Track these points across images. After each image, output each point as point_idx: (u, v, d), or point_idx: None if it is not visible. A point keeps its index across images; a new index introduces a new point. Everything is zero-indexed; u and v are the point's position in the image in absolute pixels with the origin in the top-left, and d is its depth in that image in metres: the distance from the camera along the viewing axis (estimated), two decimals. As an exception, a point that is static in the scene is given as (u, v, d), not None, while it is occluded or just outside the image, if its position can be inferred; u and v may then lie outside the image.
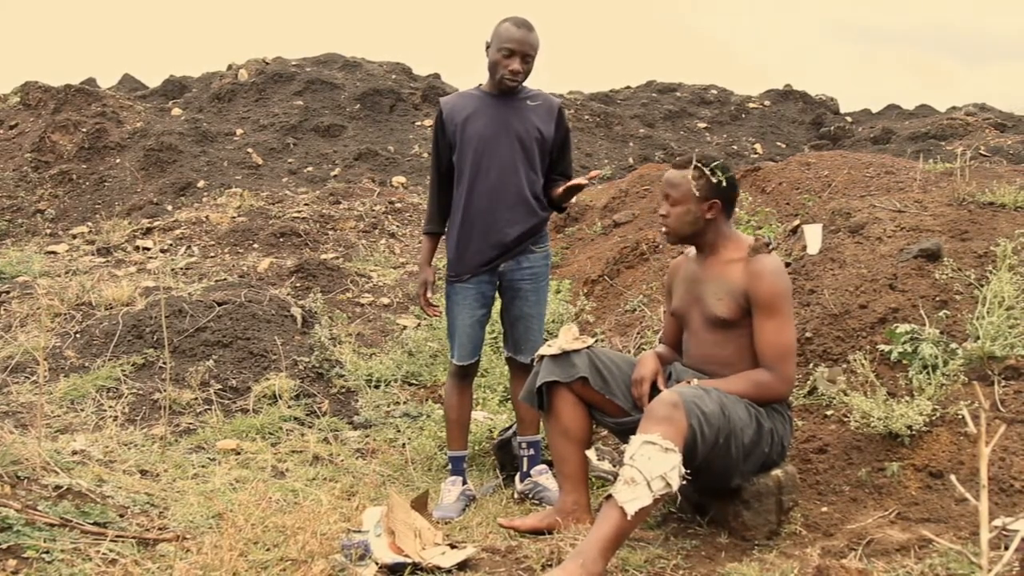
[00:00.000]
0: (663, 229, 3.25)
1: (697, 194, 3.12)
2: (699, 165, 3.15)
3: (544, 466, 3.95)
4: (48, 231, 10.81)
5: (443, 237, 4.09)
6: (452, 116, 3.89)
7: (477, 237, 3.87)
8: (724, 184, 3.14)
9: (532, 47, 3.74)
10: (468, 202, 3.86)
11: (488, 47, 3.81)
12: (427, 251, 4.11)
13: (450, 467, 4.06)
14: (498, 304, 4.08)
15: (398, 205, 10.74)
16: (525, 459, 3.98)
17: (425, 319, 6.74)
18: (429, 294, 4.06)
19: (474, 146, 3.84)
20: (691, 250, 3.33)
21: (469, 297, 3.93)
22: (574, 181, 3.82)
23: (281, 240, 9.09)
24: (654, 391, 3.09)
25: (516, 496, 3.97)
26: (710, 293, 3.13)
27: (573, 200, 4.02)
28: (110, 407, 4.85)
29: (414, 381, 5.92)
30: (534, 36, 3.74)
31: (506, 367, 4.30)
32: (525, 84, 3.89)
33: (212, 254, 8.80)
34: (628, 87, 18.12)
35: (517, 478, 4.02)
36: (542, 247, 3.99)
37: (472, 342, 3.97)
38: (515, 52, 3.71)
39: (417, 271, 4.20)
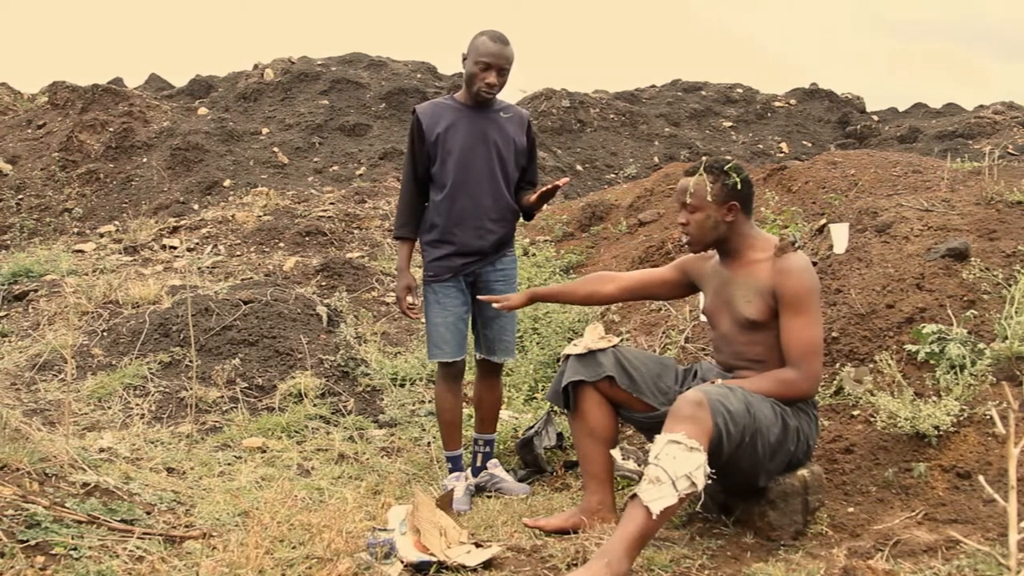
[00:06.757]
0: (685, 238, 3.23)
1: (712, 199, 3.11)
2: (711, 169, 3.14)
3: (495, 460, 4.18)
4: (76, 230, 10.91)
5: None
6: (431, 126, 3.96)
7: (459, 244, 3.99)
8: (739, 185, 3.12)
9: (507, 60, 3.84)
10: (450, 210, 3.97)
11: (465, 59, 3.90)
12: (405, 256, 4.16)
13: (450, 466, 4.14)
14: None
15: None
16: (480, 455, 4.17)
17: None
18: (411, 299, 4.11)
19: (456, 157, 3.93)
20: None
21: (451, 294, 4.03)
22: (546, 187, 3.86)
23: (307, 239, 9.13)
24: (680, 387, 3.08)
25: (471, 488, 4.07)
26: (739, 296, 3.11)
27: (543, 208, 4.12)
28: (137, 405, 4.89)
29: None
30: (509, 50, 3.83)
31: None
32: (497, 97, 4.00)
33: (238, 253, 8.86)
34: (653, 86, 18.05)
35: (469, 472, 4.15)
36: (512, 249, 4.15)
37: (457, 338, 4.05)
38: (491, 66, 3.82)
39: (397, 275, 4.20)
